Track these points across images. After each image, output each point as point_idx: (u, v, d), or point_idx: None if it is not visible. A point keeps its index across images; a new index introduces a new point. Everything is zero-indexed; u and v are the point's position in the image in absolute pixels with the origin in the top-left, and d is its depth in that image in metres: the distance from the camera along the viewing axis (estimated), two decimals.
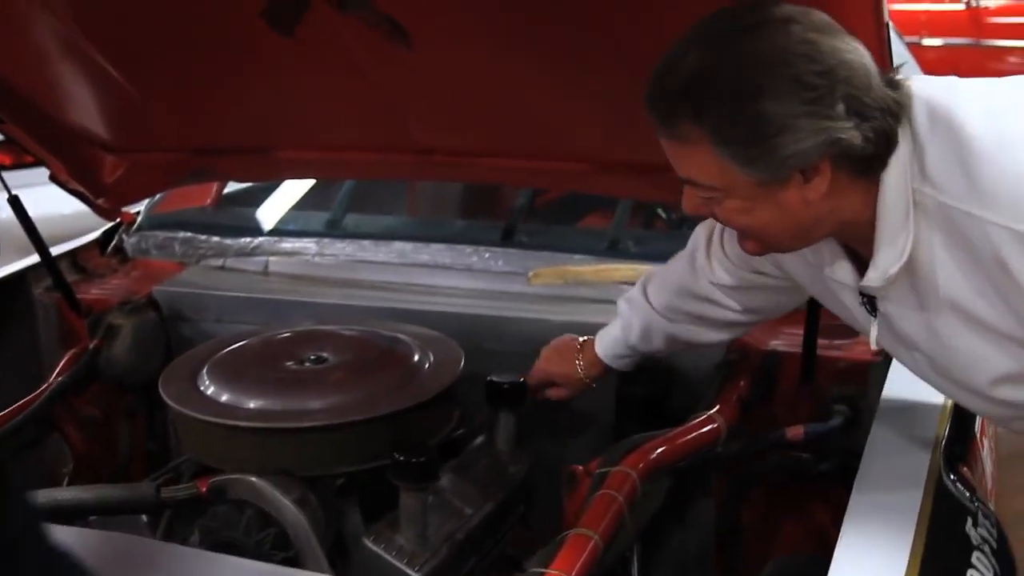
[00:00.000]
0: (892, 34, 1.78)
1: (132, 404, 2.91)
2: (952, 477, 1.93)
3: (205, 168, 2.96)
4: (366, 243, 3.07)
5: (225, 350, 2.49)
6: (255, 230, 3.26)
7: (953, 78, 1.74)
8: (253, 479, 2.17)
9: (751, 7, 1.62)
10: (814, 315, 2.35)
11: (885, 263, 1.68)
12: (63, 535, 1.36)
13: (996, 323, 1.66)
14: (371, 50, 2.28)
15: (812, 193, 1.63)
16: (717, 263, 2.17)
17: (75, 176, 2.88)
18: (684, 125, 1.62)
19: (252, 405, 2.26)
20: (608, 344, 2.36)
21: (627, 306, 2.33)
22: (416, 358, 2.42)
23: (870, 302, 1.82)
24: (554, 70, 2.22)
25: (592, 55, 2.14)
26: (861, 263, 1.76)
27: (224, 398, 2.29)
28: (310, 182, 3.56)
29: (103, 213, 3.10)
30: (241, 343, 2.54)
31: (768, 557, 2.16)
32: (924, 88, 1.67)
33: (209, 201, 3.53)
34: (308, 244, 3.11)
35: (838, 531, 1.73)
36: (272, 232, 3.25)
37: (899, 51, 2.19)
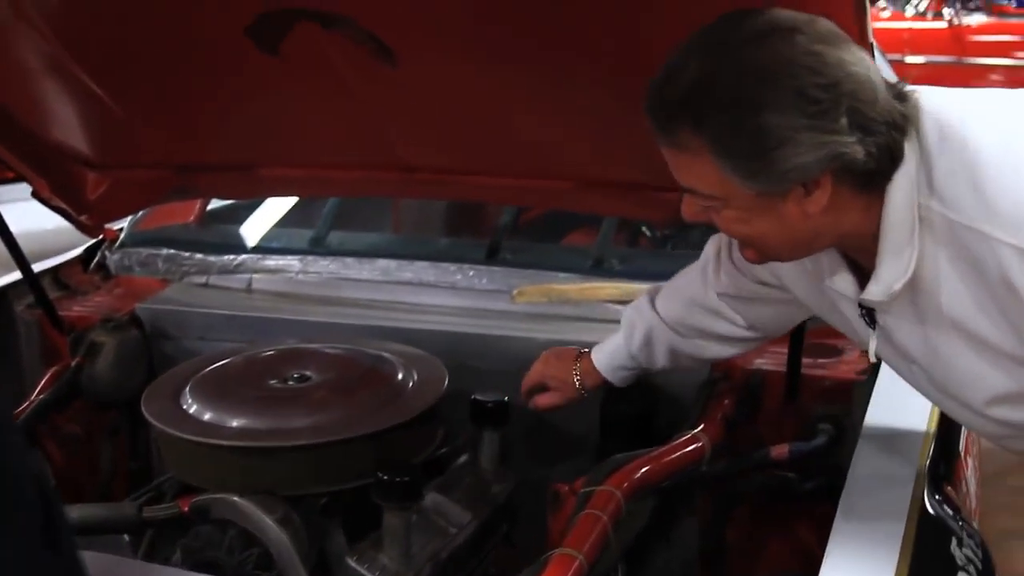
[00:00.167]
0: (876, 53, 1.78)
1: (114, 422, 2.90)
2: (937, 497, 1.93)
3: (188, 185, 2.95)
4: (350, 261, 3.06)
5: (208, 368, 2.48)
6: (239, 247, 3.25)
7: (964, 90, 1.72)
8: (236, 498, 2.16)
9: (755, 15, 1.59)
10: (799, 334, 2.35)
11: (888, 279, 1.66)
12: None
13: (997, 342, 1.65)
14: (356, 68, 2.28)
15: (812, 206, 1.61)
16: (724, 273, 2.16)
17: (58, 193, 2.87)
18: (684, 134, 1.60)
19: (235, 424, 2.25)
20: (608, 353, 2.34)
21: (633, 313, 2.32)
22: (400, 376, 2.42)
23: (869, 314, 1.80)
24: (538, 88, 2.22)
25: (576, 73, 2.13)
26: (861, 274, 1.75)
27: (207, 417, 2.28)
28: (294, 199, 3.55)
29: (86, 230, 3.08)
30: (224, 361, 2.52)
31: None
32: (934, 101, 1.65)
33: (192, 218, 3.52)
34: (292, 261, 3.11)
35: (823, 550, 1.73)
36: (256, 249, 3.24)
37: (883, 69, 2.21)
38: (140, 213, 3.29)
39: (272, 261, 3.13)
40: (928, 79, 2.03)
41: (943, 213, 1.60)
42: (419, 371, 2.43)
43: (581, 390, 2.37)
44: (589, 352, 2.37)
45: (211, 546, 2.17)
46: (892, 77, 1.76)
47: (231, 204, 3.65)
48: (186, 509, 2.19)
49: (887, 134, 1.58)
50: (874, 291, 1.70)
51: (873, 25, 1.69)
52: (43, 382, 2.74)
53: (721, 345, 2.27)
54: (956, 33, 9.91)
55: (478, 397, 2.42)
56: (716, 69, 1.56)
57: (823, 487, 2.28)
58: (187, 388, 2.38)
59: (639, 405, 2.53)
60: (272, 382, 2.39)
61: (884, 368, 2.31)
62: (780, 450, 2.30)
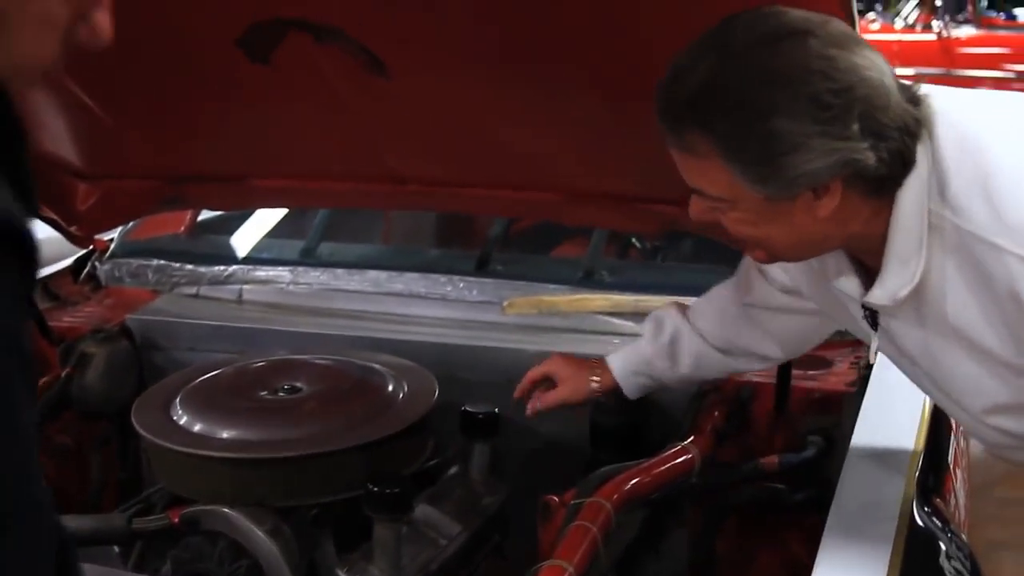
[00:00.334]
0: None
1: (104, 433, 2.89)
2: (926, 509, 1.93)
3: (178, 196, 2.95)
4: (340, 272, 3.06)
5: (198, 379, 2.48)
6: (229, 258, 3.25)
7: (980, 93, 1.71)
8: (226, 510, 2.15)
9: (767, 16, 1.57)
10: None
11: (894, 285, 1.65)
12: None
13: (999, 353, 1.64)
14: (347, 80, 2.28)
15: (822, 211, 1.59)
16: (754, 283, 2.15)
17: (48, 203, 2.87)
18: (692, 136, 1.58)
19: (225, 435, 2.25)
20: (625, 357, 2.29)
21: (661, 317, 2.27)
22: (390, 388, 2.42)
23: (872, 315, 1.79)
24: (529, 101, 2.22)
25: (567, 86, 2.14)
26: (867, 274, 1.73)
27: (197, 428, 2.28)
28: (284, 210, 3.56)
29: (76, 240, 3.08)
30: (214, 372, 2.52)
31: None
32: (950, 105, 1.63)
33: (183, 229, 3.52)
34: (282, 272, 3.10)
35: (813, 561, 1.73)
36: (246, 260, 3.24)
37: None
38: (130, 224, 3.28)
39: (263, 272, 3.12)
40: None
41: (955, 222, 1.58)
42: (409, 383, 2.44)
43: (595, 388, 2.29)
44: (603, 359, 2.31)
45: (201, 557, 2.17)
46: None
47: (222, 215, 3.65)
48: (176, 520, 2.19)
49: (899, 139, 1.56)
50: (878, 295, 1.68)
51: (864, 37, 1.68)
52: None
53: (748, 359, 2.24)
54: (945, 45, 9.96)
55: (468, 408, 2.43)
56: (726, 72, 1.54)
57: (813, 499, 2.28)
58: (177, 399, 2.38)
59: (629, 417, 2.53)
60: (262, 393, 2.39)
61: (873, 380, 2.31)
62: (770, 462, 2.31)
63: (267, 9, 2.19)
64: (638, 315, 2.71)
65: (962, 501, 2.43)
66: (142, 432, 2.29)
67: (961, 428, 2.43)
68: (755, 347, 2.20)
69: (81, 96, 2.51)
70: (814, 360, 2.48)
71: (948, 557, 1.84)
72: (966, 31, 10.38)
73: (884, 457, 2.06)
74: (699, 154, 1.59)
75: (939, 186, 1.59)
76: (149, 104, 2.54)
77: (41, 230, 2.93)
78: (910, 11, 10.84)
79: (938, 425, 2.23)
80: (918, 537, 1.84)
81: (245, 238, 3.46)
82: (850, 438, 2.14)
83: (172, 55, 2.33)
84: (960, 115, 1.62)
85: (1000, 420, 1.75)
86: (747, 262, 2.16)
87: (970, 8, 10.76)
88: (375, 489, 2.08)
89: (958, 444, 2.41)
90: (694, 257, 3.49)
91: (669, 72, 1.60)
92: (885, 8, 12.39)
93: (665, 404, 2.54)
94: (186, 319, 2.99)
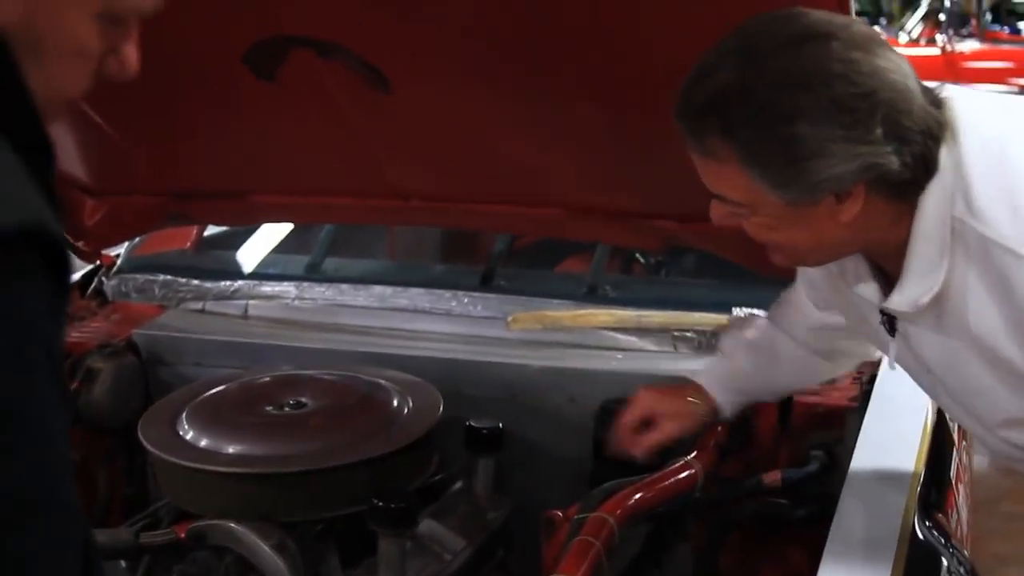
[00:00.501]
0: None
1: (111, 448, 2.89)
2: (927, 523, 1.93)
3: (184, 212, 2.97)
4: (346, 287, 3.07)
5: (204, 395, 2.49)
6: (235, 273, 3.26)
7: (1001, 95, 1.69)
8: (232, 524, 2.17)
9: (788, 19, 1.55)
10: None
11: (915, 292, 1.63)
12: None
13: (1018, 363, 1.62)
14: (350, 95, 2.30)
15: (845, 216, 1.58)
16: (803, 298, 2.12)
17: None
18: (712, 141, 1.56)
19: (231, 450, 2.26)
20: (721, 375, 2.23)
21: (752, 329, 2.23)
22: (395, 403, 2.43)
23: (889, 321, 1.77)
24: (529, 115, 2.24)
25: (567, 101, 2.16)
26: (886, 278, 1.71)
27: (203, 443, 2.29)
28: (290, 226, 3.57)
29: (83, 256, 3.10)
30: (220, 387, 2.53)
31: None
32: (974, 109, 1.61)
33: (189, 244, 3.53)
34: (288, 288, 3.11)
35: None
36: (252, 276, 3.25)
37: None
38: (137, 239, 3.30)
39: (268, 287, 3.13)
40: None
41: (979, 231, 1.56)
42: (414, 398, 2.45)
43: (699, 411, 2.22)
44: (688, 382, 2.27)
45: (207, 572, 2.18)
46: None
47: (228, 230, 3.66)
48: (183, 535, 2.20)
49: (923, 143, 1.54)
50: (897, 300, 1.66)
51: None
52: None
53: (849, 359, 2.22)
54: (949, 59, 9.95)
55: (473, 424, 2.43)
56: (747, 76, 1.52)
57: (816, 514, 2.27)
58: (183, 414, 2.39)
59: None
60: (268, 409, 2.40)
61: (876, 395, 2.32)
62: (773, 477, 2.31)
63: (271, 26, 2.21)
64: (641, 330, 2.73)
65: (964, 516, 2.43)
66: (148, 447, 2.31)
67: (964, 443, 2.44)
68: (856, 347, 2.18)
69: (89, 113, 2.53)
70: None
71: (950, 572, 1.85)
72: (970, 45, 10.39)
73: (886, 472, 2.07)
74: (720, 159, 1.57)
75: (963, 192, 1.56)
76: (156, 121, 2.56)
77: None
78: (914, 26, 10.86)
79: (940, 440, 2.23)
80: (919, 552, 1.84)
81: (251, 254, 3.47)
82: (852, 453, 2.15)
83: (179, 72, 2.34)
84: (984, 119, 1.60)
85: (1013, 433, 1.74)
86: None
87: (974, 22, 10.78)
88: (380, 504, 2.09)
89: (960, 459, 2.41)
90: (697, 272, 3.50)
91: (690, 76, 1.57)
92: (890, 23, 12.43)
93: None
94: (192, 334, 2.99)
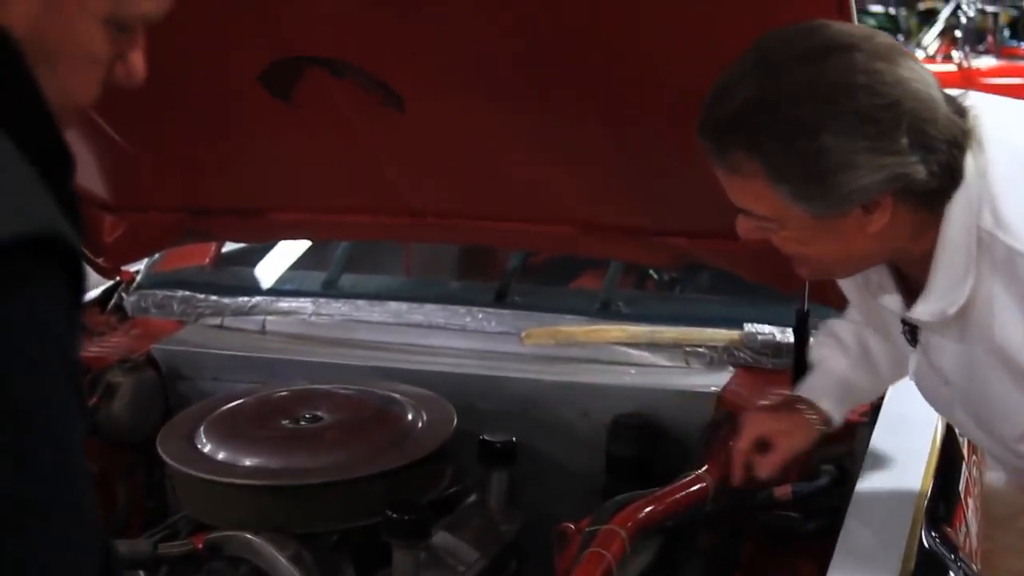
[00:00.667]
0: None
1: (130, 462, 2.91)
2: (935, 537, 1.94)
3: (202, 228, 3.00)
4: (362, 303, 3.09)
5: (222, 408, 2.52)
6: (253, 289, 3.29)
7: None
8: (249, 536, 2.19)
9: (810, 31, 1.54)
10: (800, 374, 2.37)
11: (941, 303, 1.62)
12: None
13: None
14: (364, 114, 2.33)
15: (872, 226, 1.57)
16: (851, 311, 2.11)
17: None
18: (737, 156, 1.55)
19: (248, 463, 2.29)
20: (827, 387, 2.13)
21: (840, 332, 2.14)
22: (410, 417, 2.45)
23: (911, 331, 1.76)
24: (541, 133, 2.26)
25: (578, 119, 2.18)
26: (910, 286, 1.71)
27: (221, 456, 2.32)
28: (307, 242, 3.60)
29: (103, 272, 3.13)
30: (238, 401, 2.56)
31: None
32: (999, 117, 1.60)
33: (208, 260, 3.56)
34: (305, 304, 3.13)
35: None
36: (269, 291, 3.28)
37: None
38: (156, 256, 3.33)
39: (286, 303, 3.15)
40: None
41: (1007, 243, 1.55)
42: (428, 412, 2.47)
43: (820, 428, 2.13)
44: (795, 398, 2.18)
45: None
46: None
47: (246, 247, 3.69)
48: (200, 546, 2.23)
49: (948, 152, 1.53)
50: (921, 310, 1.66)
51: None
52: None
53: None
54: (966, 75, 9.93)
55: (487, 437, 2.46)
56: (770, 90, 1.51)
57: (826, 527, 2.28)
58: (201, 428, 2.42)
59: (644, 446, 2.55)
60: (284, 422, 2.43)
61: (885, 409, 2.33)
62: (783, 490, 2.31)
63: (286, 46, 2.24)
64: (654, 346, 2.74)
65: (974, 530, 2.44)
66: (167, 460, 2.34)
67: (974, 458, 2.44)
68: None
69: (108, 130, 2.56)
70: None
71: None
72: (987, 61, 10.38)
73: (893, 485, 2.08)
74: (745, 174, 1.56)
75: (990, 203, 1.56)
76: (174, 139, 2.59)
77: None
78: (931, 42, 10.85)
79: (949, 454, 2.24)
80: (927, 564, 1.85)
81: (268, 270, 3.50)
82: (861, 466, 2.16)
83: (196, 90, 2.38)
84: (1009, 128, 1.60)
85: None
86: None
87: (990, 39, 10.77)
88: (394, 516, 2.11)
89: (970, 473, 2.42)
90: (711, 289, 3.52)
91: (711, 93, 1.57)
92: (907, 39, 12.41)
93: (679, 433, 2.57)
94: (211, 349, 3.02)
